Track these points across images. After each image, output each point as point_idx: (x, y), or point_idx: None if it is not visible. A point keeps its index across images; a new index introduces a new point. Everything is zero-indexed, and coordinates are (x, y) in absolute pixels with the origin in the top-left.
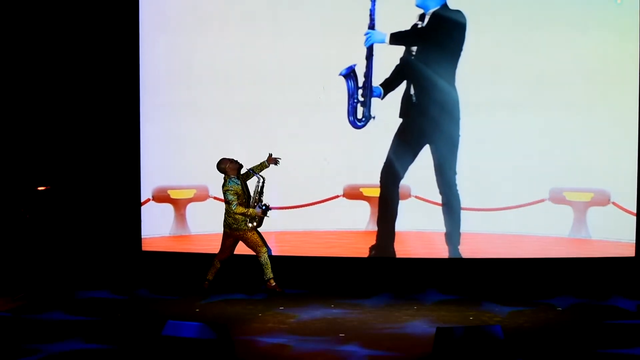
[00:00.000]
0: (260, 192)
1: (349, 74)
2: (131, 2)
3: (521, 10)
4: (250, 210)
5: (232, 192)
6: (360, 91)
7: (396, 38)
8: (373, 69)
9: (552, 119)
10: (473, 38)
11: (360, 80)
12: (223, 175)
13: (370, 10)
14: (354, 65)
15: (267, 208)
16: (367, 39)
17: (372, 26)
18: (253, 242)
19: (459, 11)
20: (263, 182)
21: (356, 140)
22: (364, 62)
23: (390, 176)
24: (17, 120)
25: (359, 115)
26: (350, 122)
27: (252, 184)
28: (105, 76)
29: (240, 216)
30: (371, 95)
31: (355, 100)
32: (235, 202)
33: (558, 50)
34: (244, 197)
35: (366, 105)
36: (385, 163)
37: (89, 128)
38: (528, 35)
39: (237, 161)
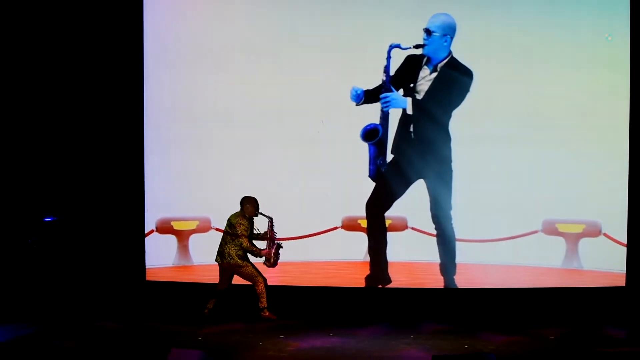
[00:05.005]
0: (272, 232)
1: (377, 142)
2: (136, 41)
3: (515, 48)
4: (262, 250)
5: (244, 227)
6: (379, 153)
7: (417, 101)
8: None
9: (544, 153)
10: None
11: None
12: (240, 208)
13: (385, 67)
14: (380, 127)
15: (280, 246)
16: (387, 104)
17: (387, 84)
18: (248, 274)
19: (469, 70)
20: (272, 222)
21: (354, 174)
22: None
23: (377, 208)
24: (25, 153)
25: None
26: (371, 178)
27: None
28: (112, 111)
29: (240, 250)
30: (386, 153)
31: (379, 161)
32: (244, 237)
33: (551, 86)
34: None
35: (385, 163)
36: (372, 195)
37: (95, 161)
38: (522, 71)
39: (258, 208)
